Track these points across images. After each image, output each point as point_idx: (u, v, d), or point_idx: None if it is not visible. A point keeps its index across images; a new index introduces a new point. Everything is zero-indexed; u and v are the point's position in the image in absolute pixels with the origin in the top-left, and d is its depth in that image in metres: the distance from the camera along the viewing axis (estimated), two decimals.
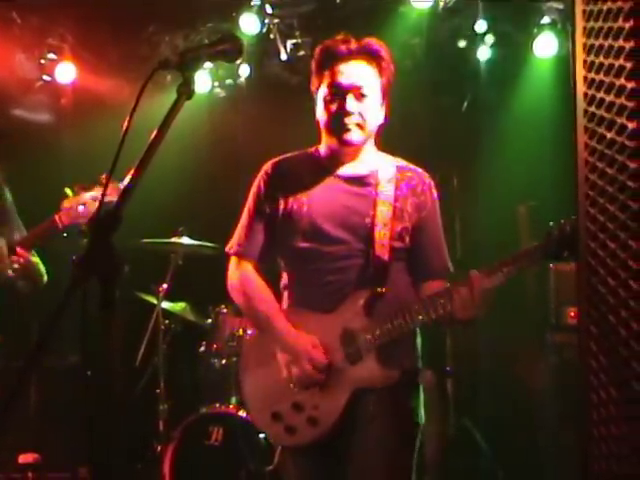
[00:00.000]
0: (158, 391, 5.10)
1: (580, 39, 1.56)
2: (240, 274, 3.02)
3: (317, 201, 2.90)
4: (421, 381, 2.95)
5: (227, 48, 1.98)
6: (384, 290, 2.81)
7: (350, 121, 2.83)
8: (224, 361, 4.93)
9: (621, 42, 1.40)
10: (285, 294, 3.01)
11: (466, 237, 5.56)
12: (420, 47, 5.87)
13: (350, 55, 2.86)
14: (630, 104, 1.40)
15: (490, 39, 5.70)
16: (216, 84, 6.40)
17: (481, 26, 5.60)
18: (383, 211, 2.86)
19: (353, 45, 2.86)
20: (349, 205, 2.89)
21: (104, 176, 3.04)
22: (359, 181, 2.93)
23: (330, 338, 2.81)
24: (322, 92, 2.90)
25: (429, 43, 5.83)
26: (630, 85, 1.39)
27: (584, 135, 1.60)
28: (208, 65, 6.03)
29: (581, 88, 1.59)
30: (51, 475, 5.07)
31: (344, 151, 2.91)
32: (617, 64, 1.44)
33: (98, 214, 1.72)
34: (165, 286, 5.19)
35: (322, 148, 2.99)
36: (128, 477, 4.82)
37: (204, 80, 6.17)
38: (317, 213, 2.88)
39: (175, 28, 6.01)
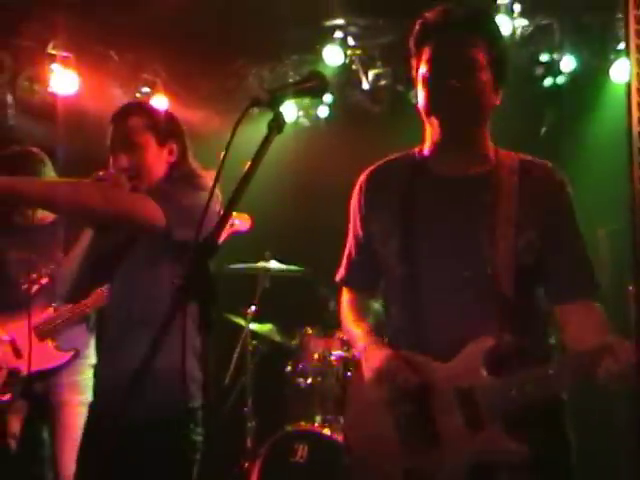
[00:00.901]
0: (246, 409, 5.25)
1: (635, 83, 1.71)
2: (344, 302, 2.68)
3: (416, 212, 2.39)
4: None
5: (313, 85, 2.02)
6: (512, 338, 2.23)
7: (456, 97, 2.27)
8: (309, 380, 5.01)
9: None
10: (388, 329, 2.53)
11: None
12: None
13: (454, 24, 2.32)
14: None
15: (567, 65, 5.74)
16: (301, 114, 6.59)
17: (558, 52, 5.68)
18: (504, 223, 2.29)
19: (457, 13, 2.33)
20: (459, 216, 2.34)
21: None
22: (472, 183, 2.38)
23: (444, 395, 2.26)
24: (422, 71, 2.35)
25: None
26: None
27: (639, 171, 1.75)
28: None
29: (636, 128, 1.74)
30: None
31: (451, 135, 2.35)
32: None
33: (197, 241, 1.81)
34: (253, 308, 5.36)
35: (426, 146, 2.46)
36: None
37: (290, 110, 6.34)
38: (415, 228, 2.37)
39: (261, 61, 6.24)
